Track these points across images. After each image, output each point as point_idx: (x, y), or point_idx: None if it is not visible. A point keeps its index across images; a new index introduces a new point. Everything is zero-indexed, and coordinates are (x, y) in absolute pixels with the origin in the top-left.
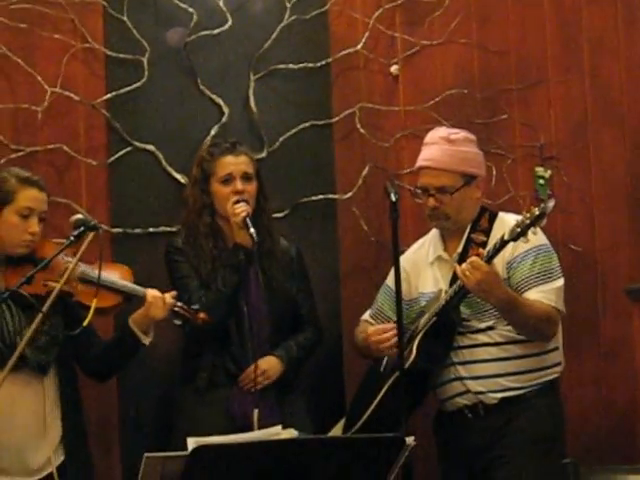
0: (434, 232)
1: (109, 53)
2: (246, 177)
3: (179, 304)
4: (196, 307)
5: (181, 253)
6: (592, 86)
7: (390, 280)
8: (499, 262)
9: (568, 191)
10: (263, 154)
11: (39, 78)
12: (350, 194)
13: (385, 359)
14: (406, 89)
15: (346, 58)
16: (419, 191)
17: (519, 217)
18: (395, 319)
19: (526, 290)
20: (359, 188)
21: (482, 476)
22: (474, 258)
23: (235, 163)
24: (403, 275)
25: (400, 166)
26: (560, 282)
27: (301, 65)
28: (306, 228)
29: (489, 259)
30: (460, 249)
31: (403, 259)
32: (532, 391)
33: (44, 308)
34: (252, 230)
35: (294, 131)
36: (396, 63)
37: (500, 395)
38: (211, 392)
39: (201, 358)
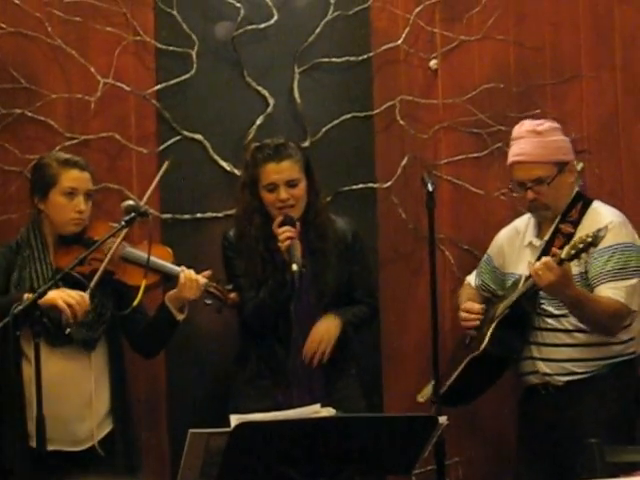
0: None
1: (159, 46)
2: (290, 184)
3: (212, 284)
4: (229, 287)
5: (235, 249)
6: (624, 82)
7: (490, 250)
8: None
9: (599, 183)
10: (306, 144)
11: (92, 69)
12: (389, 183)
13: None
14: (444, 83)
15: (387, 52)
16: (516, 186)
17: (612, 211)
18: (498, 292)
19: (598, 285)
20: (398, 178)
21: (551, 452)
22: (548, 259)
23: (277, 171)
24: (500, 250)
25: (438, 157)
26: (633, 281)
27: (343, 59)
28: (347, 215)
29: (562, 262)
30: (547, 237)
31: (502, 234)
32: (598, 374)
33: (91, 284)
34: (294, 267)
35: (336, 122)
36: (435, 58)
37: (565, 378)
38: (258, 381)
39: (249, 348)
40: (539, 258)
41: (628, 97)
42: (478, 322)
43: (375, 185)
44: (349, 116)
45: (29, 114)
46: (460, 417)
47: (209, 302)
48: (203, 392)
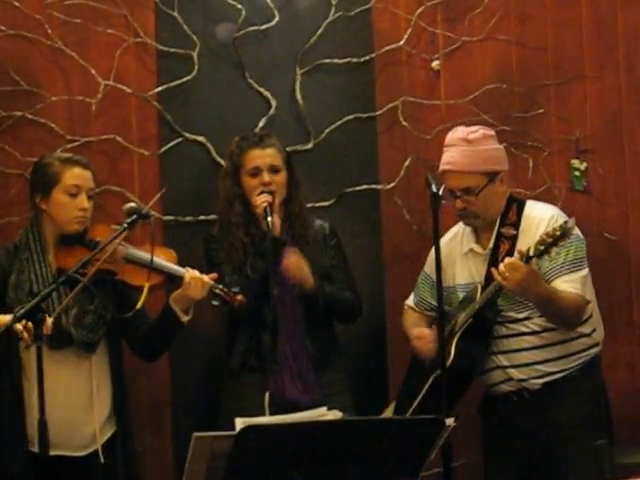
0: None
1: (160, 47)
2: (273, 169)
3: (218, 286)
4: (235, 289)
5: (216, 241)
6: (627, 81)
7: (428, 267)
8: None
9: (603, 183)
10: (309, 145)
11: (93, 71)
12: (393, 184)
13: None
14: (447, 84)
15: (389, 53)
16: (447, 194)
17: (546, 206)
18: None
19: (553, 279)
20: (401, 179)
21: (532, 458)
22: (512, 259)
23: (262, 156)
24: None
25: (440, 158)
26: (585, 271)
27: (346, 60)
28: (350, 217)
29: (529, 259)
30: (491, 244)
31: None
32: (573, 372)
33: (85, 279)
34: (268, 219)
35: (339, 123)
36: (437, 58)
37: (542, 381)
38: (245, 375)
39: (236, 341)
40: (489, 265)
41: (631, 97)
42: (434, 345)
43: (378, 186)
44: (352, 117)
45: (29, 116)
46: (467, 419)
47: (216, 304)
48: (207, 396)
